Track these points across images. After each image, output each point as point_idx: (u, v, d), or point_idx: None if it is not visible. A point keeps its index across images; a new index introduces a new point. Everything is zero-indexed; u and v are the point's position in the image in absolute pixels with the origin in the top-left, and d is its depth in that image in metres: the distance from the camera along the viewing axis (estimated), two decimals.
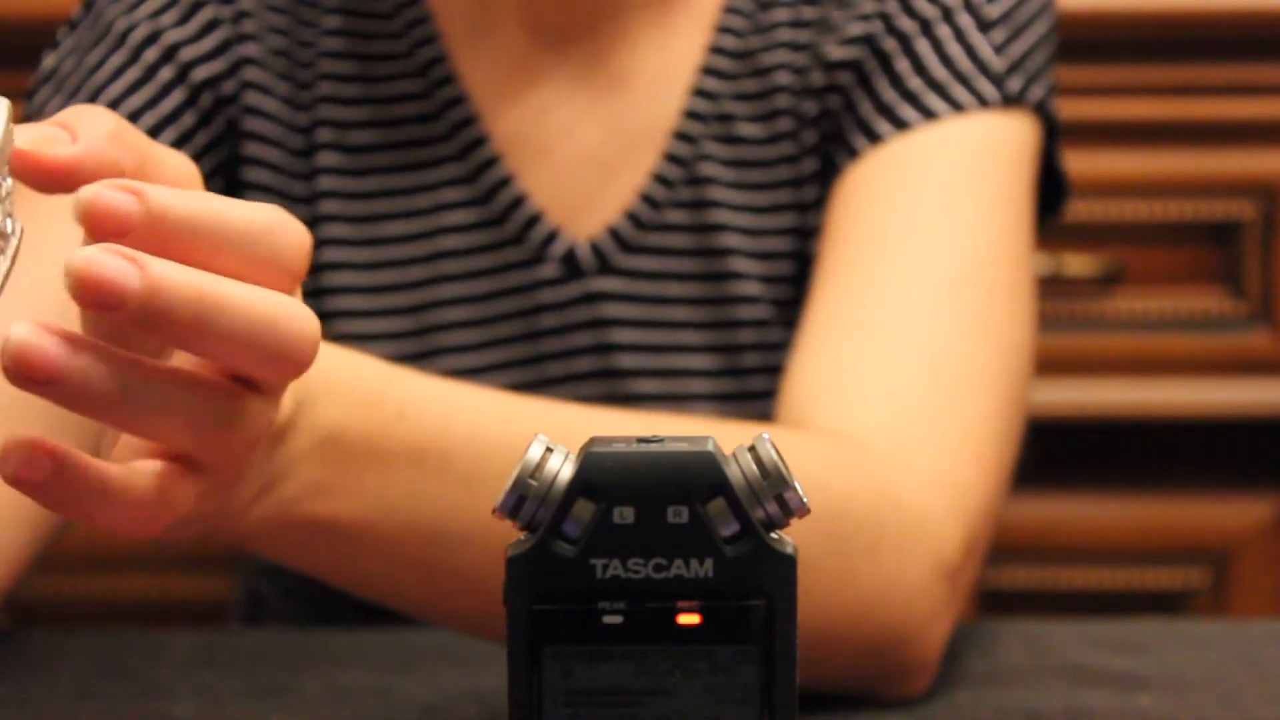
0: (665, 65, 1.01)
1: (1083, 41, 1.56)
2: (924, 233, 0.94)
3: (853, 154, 0.97)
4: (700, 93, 1.01)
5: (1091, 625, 0.97)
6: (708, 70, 1.01)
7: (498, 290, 1.01)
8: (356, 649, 0.91)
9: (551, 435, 0.63)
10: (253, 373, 0.57)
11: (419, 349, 1.00)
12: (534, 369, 1.00)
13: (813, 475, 0.79)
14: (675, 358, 1.01)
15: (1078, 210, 1.55)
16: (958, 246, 0.93)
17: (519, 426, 0.74)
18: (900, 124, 0.97)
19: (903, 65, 0.98)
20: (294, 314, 0.56)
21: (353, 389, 0.70)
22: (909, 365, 0.90)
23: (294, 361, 0.56)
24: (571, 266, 1.00)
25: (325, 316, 1.00)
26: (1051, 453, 1.55)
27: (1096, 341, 1.60)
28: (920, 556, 0.84)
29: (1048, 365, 1.56)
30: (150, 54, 0.98)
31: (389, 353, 1.00)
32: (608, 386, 1.00)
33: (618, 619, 0.53)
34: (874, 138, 0.97)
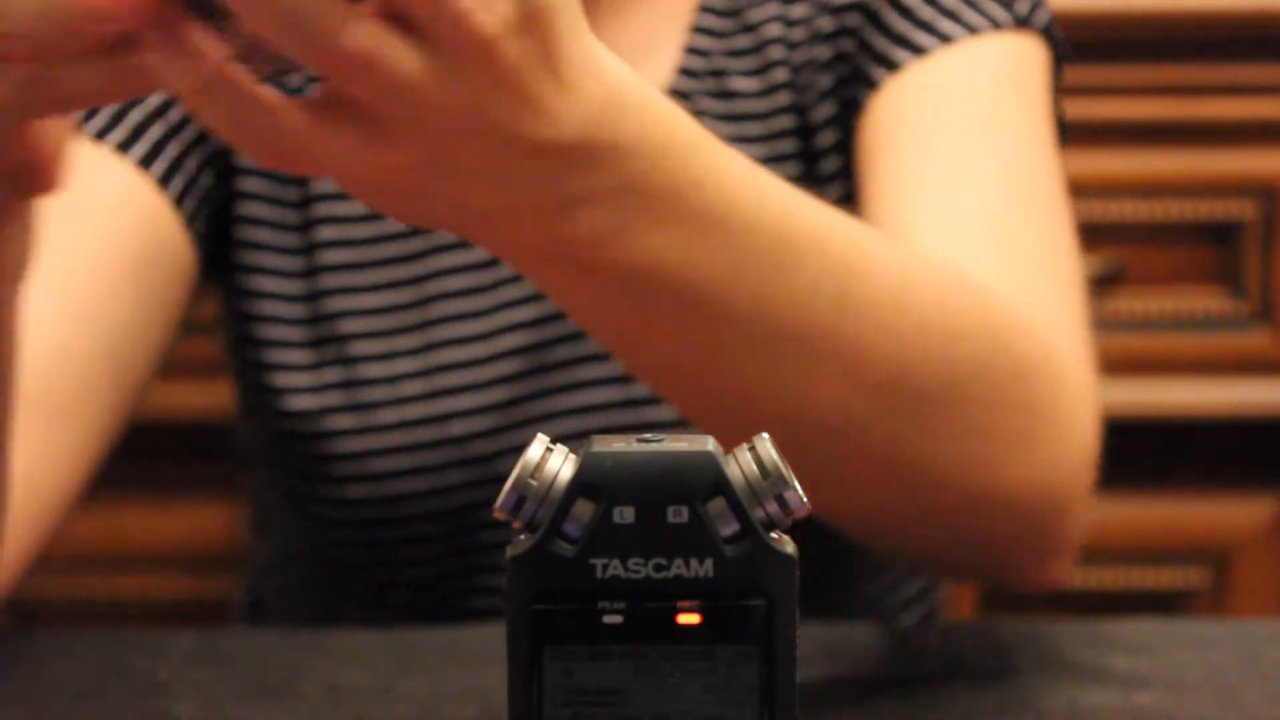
0: (656, 26, 1.02)
1: (1083, 41, 1.56)
2: (970, 144, 0.94)
3: (873, 86, 0.98)
4: (693, 50, 1.01)
5: (1091, 625, 0.96)
6: (698, 29, 1.02)
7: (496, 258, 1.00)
8: (356, 649, 0.91)
9: (809, 243, 0.68)
10: None
11: (420, 320, 1.00)
12: (540, 329, 1.00)
13: (998, 325, 0.80)
14: None
15: (1078, 210, 1.55)
16: (1004, 160, 0.94)
17: (794, 222, 0.74)
18: (917, 49, 0.98)
19: None
20: None
21: (666, 143, 0.69)
22: (995, 258, 0.90)
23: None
24: None
25: (320, 295, 1.00)
26: None
27: (1096, 341, 1.60)
28: (1085, 425, 0.83)
29: None
30: None
31: (389, 325, 0.99)
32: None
33: (618, 619, 0.53)
34: (892, 66, 0.98)
